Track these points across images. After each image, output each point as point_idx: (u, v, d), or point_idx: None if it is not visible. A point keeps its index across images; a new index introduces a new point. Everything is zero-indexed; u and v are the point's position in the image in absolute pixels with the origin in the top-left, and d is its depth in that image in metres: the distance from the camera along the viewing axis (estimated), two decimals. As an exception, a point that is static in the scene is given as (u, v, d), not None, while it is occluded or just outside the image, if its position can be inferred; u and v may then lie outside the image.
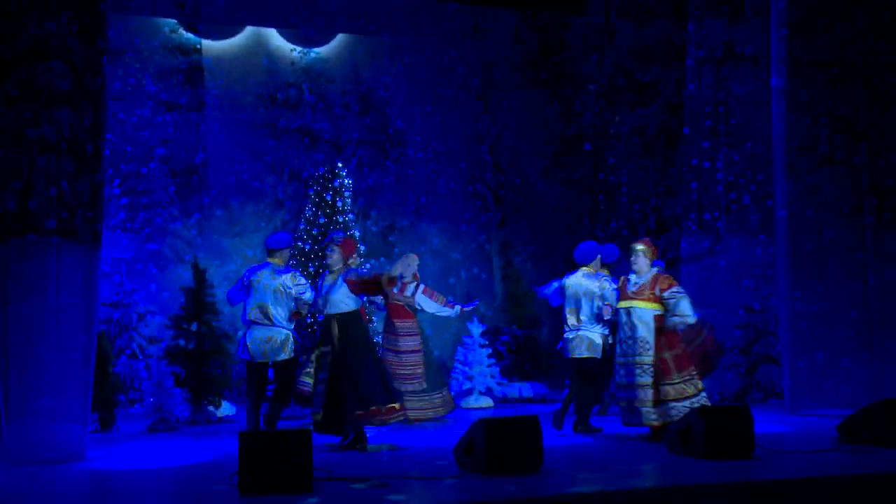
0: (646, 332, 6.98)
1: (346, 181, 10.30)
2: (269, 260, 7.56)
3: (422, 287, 8.71)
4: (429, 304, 8.63)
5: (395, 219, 11.48)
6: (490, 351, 10.27)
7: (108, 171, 9.32)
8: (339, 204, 10.10)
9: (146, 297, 10.15)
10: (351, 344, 6.75)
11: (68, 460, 6.26)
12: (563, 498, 4.70)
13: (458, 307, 8.72)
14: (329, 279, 6.95)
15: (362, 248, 10.21)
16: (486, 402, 9.97)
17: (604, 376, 7.89)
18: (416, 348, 8.59)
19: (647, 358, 6.96)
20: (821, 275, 8.55)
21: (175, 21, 10.62)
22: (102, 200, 6.69)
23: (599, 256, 7.68)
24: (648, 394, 6.92)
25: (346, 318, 6.80)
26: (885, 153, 8.42)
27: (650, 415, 6.93)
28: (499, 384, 10.25)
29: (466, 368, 10.10)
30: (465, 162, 11.75)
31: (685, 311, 6.96)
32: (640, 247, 7.18)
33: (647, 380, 6.94)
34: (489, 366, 10.13)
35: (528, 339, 11.21)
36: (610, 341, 7.55)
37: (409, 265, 8.61)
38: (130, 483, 5.66)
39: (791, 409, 8.52)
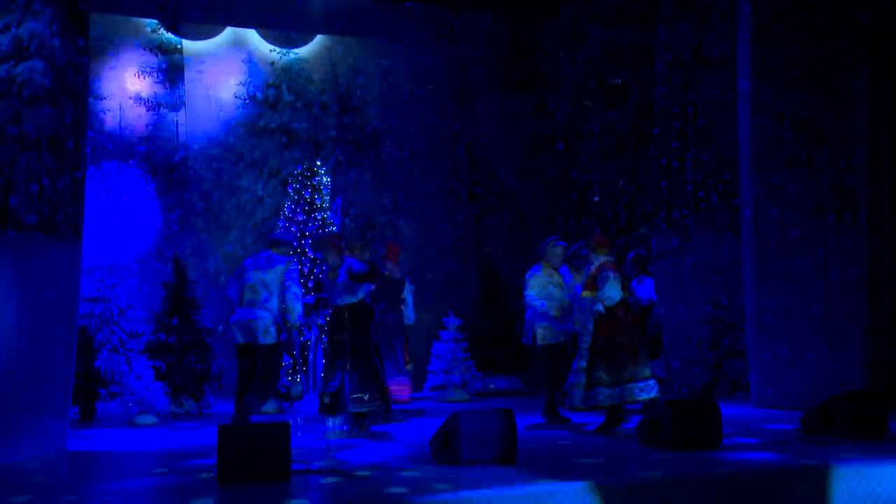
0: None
1: (325, 179, 10.43)
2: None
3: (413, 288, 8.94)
4: (408, 307, 8.82)
5: (372, 216, 11.54)
6: (466, 345, 10.37)
7: (89, 168, 9.37)
8: (318, 201, 10.24)
9: (127, 292, 10.11)
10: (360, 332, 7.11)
11: (49, 453, 6.25)
12: (539, 489, 4.72)
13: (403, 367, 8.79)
14: (331, 275, 7.21)
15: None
16: (462, 395, 10.09)
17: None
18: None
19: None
20: (785, 272, 8.64)
21: (156, 21, 10.62)
22: (83, 196, 6.69)
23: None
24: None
25: (353, 309, 7.11)
26: (846, 154, 8.51)
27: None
28: (474, 377, 10.37)
29: (443, 362, 10.20)
30: (441, 161, 11.81)
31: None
32: None
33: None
34: (465, 359, 10.21)
35: (504, 333, 11.34)
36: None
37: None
38: (111, 476, 5.68)
39: (756, 402, 8.65)
